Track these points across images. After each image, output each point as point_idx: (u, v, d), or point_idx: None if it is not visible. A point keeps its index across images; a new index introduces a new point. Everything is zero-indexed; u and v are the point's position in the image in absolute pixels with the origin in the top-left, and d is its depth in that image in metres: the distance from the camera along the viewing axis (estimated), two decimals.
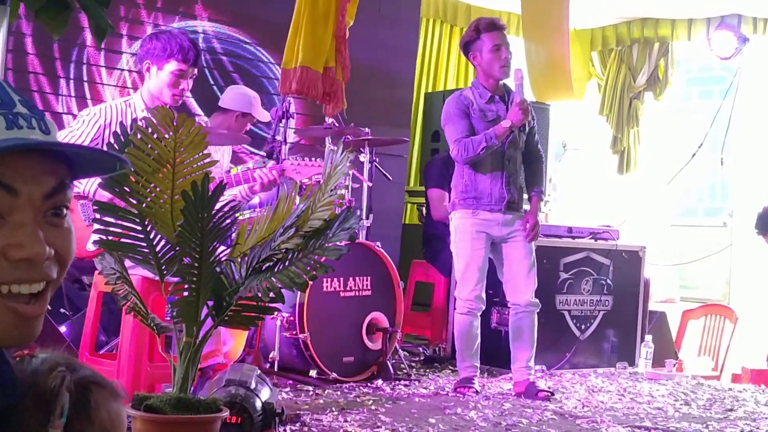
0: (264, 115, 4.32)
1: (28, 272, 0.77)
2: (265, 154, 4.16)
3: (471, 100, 3.75)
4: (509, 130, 3.65)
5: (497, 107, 3.76)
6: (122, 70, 4.74)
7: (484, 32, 3.70)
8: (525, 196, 3.90)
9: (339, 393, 3.55)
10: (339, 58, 4.27)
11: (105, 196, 2.51)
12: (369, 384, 3.77)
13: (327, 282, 3.81)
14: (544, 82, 5.88)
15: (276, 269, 2.27)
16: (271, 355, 3.66)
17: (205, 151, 2.21)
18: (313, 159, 3.69)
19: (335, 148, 2.48)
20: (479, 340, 3.78)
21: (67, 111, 4.57)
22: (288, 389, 3.52)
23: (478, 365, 3.80)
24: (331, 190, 2.30)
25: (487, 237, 3.74)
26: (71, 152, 0.81)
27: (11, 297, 0.77)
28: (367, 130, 4.35)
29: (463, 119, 3.71)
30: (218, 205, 2.13)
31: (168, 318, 2.59)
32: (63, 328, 3.41)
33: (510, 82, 3.83)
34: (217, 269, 2.27)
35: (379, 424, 3.06)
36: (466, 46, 3.77)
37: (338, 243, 2.26)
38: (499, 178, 3.74)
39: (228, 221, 2.17)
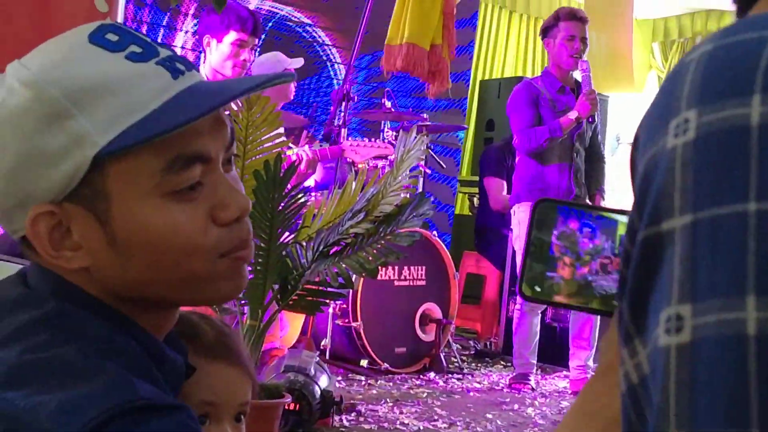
0: (295, 63, 3.78)
1: (244, 233, 0.70)
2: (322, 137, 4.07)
3: (541, 90, 3.64)
4: (576, 122, 3.54)
5: (567, 99, 3.65)
6: (182, 48, 4.70)
7: (562, 20, 3.61)
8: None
9: (391, 384, 3.48)
10: (446, 35, 4.14)
11: None
12: (421, 376, 3.69)
13: (381, 270, 3.71)
14: (604, 71, 5.71)
15: (344, 254, 2.20)
16: (323, 343, 3.60)
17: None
18: (372, 140, 3.61)
19: (407, 132, 2.39)
20: (537, 337, 3.68)
21: None
22: (340, 378, 3.46)
23: (535, 362, 3.70)
24: (405, 175, 2.21)
25: None
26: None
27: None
28: (425, 116, 4.25)
29: (530, 108, 3.59)
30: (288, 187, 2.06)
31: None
32: None
33: (576, 73, 3.71)
34: (283, 252, 2.20)
35: (435, 417, 2.98)
36: (545, 32, 3.69)
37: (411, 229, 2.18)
38: (567, 171, 3.62)
39: (298, 203, 2.10)
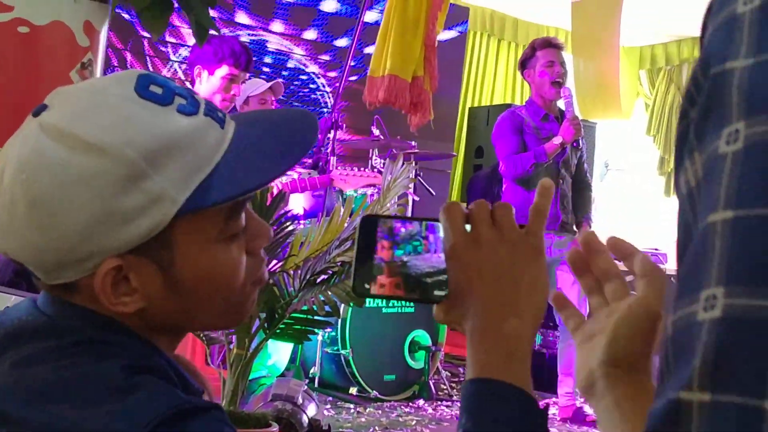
0: (263, 85, 3.65)
1: (263, 258, 0.76)
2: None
3: (525, 118, 3.69)
4: (560, 147, 3.58)
5: (551, 126, 3.69)
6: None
7: (539, 49, 3.67)
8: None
9: (380, 412, 3.46)
10: (428, 67, 4.18)
11: None
12: (410, 404, 3.68)
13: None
14: (592, 99, 5.77)
15: (332, 283, 2.19)
16: (311, 371, 3.58)
17: None
18: (362, 169, 3.62)
19: (393, 159, 2.40)
20: None
21: None
22: (328, 406, 3.44)
23: None
24: (393, 202, 2.21)
25: None
26: None
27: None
28: (413, 143, 4.28)
29: (514, 135, 3.64)
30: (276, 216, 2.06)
31: None
32: None
33: (560, 102, 3.76)
34: (270, 281, 2.20)
35: None
36: (523, 65, 3.74)
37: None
38: (554, 198, 3.65)
39: (285, 231, 2.10)
